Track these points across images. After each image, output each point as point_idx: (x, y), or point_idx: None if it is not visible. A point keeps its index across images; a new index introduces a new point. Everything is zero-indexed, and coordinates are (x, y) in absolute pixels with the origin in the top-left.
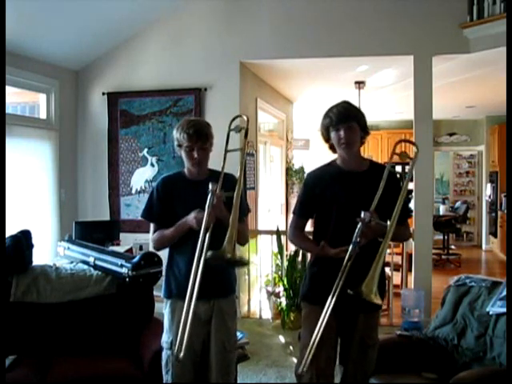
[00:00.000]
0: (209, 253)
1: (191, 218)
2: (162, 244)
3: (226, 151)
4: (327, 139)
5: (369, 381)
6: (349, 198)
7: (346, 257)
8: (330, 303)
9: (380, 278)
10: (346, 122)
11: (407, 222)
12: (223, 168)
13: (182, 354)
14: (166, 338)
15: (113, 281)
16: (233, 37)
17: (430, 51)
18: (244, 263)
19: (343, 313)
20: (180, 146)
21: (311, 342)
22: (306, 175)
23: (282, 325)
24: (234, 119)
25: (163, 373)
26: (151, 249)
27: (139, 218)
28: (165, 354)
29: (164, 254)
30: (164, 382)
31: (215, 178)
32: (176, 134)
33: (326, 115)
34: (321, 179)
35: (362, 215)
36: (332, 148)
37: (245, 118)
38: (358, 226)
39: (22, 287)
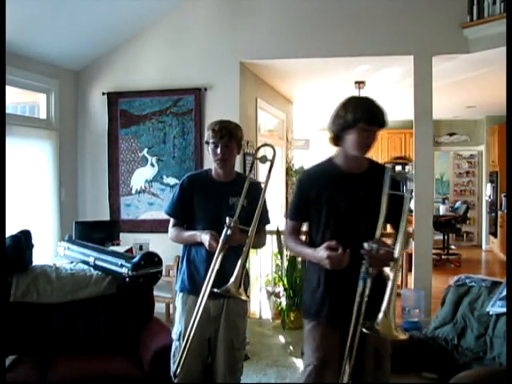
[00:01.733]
0: (215, 290)
1: (206, 241)
2: (177, 240)
3: (248, 178)
4: (337, 136)
5: None
6: (348, 204)
7: (357, 297)
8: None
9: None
10: (375, 124)
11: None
12: (244, 195)
13: (178, 370)
14: (175, 330)
15: (113, 281)
16: (233, 37)
17: (430, 51)
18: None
19: (347, 325)
20: (207, 143)
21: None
22: (301, 174)
23: (282, 325)
24: (259, 148)
25: (171, 363)
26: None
27: (139, 217)
28: (174, 345)
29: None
30: (171, 372)
31: (241, 183)
32: (206, 132)
33: (354, 110)
34: (317, 180)
35: (367, 246)
36: (334, 142)
37: (271, 150)
38: (365, 258)
39: (22, 287)
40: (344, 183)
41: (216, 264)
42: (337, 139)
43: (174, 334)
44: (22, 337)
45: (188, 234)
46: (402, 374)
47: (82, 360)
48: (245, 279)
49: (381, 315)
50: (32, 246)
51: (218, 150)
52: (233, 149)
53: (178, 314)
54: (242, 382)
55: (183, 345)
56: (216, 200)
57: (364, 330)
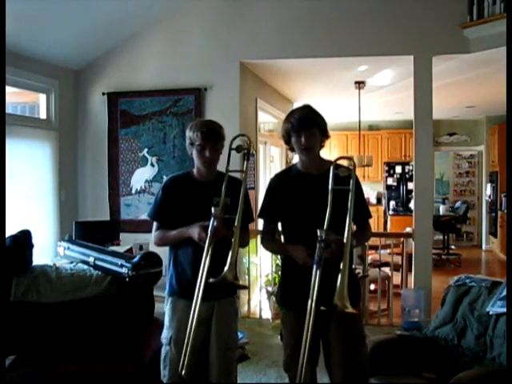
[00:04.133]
0: (210, 280)
1: (195, 233)
2: (162, 243)
3: (228, 171)
4: (287, 141)
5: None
6: (307, 201)
7: (312, 278)
8: (308, 323)
9: (351, 284)
10: (306, 128)
11: (368, 223)
12: (225, 187)
13: (184, 372)
14: (165, 334)
15: (113, 281)
16: (233, 37)
17: (430, 51)
18: (243, 288)
19: (317, 313)
20: (192, 144)
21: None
22: (271, 178)
23: None
24: (234, 138)
25: (161, 368)
26: (157, 247)
27: (139, 217)
28: (164, 350)
29: (166, 251)
30: (161, 377)
31: (223, 181)
32: (189, 133)
33: (288, 120)
34: (282, 182)
35: (318, 233)
36: (292, 150)
37: (246, 138)
38: (318, 245)
39: (22, 287)
40: (303, 183)
41: (206, 260)
42: (291, 148)
43: (164, 339)
44: (22, 337)
45: (174, 232)
46: (402, 374)
47: (81, 360)
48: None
49: (337, 292)
50: (32, 246)
51: (207, 153)
52: (219, 151)
53: (168, 319)
54: (241, 382)
55: (183, 351)
56: (200, 200)
57: (322, 308)
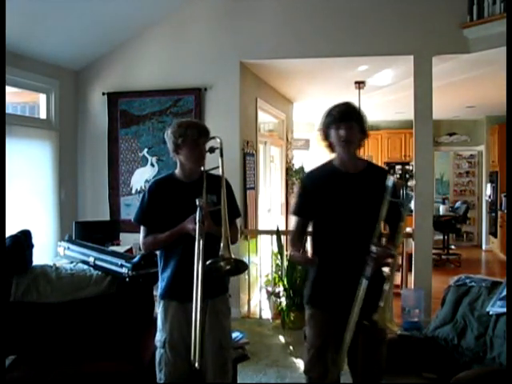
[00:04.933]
0: (207, 262)
1: (190, 227)
2: (154, 247)
3: (205, 171)
4: (326, 137)
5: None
6: (345, 199)
7: (361, 292)
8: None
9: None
10: (347, 120)
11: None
12: (205, 188)
13: (197, 364)
14: (159, 337)
15: (113, 281)
16: (233, 37)
17: (430, 51)
18: (244, 267)
19: (342, 312)
20: (184, 141)
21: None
22: (304, 174)
23: (282, 325)
24: (209, 139)
25: (157, 371)
26: (142, 251)
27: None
28: (158, 353)
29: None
30: (157, 380)
31: (208, 180)
32: (179, 130)
33: (329, 113)
34: (317, 180)
35: (374, 249)
36: (330, 147)
37: (218, 140)
38: (369, 259)
39: (22, 287)
40: (341, 181)
41: (200, 251)
42: (329, 144)
43: (158, 342)
44: (22, 337)
45: (168, 232)
46: (402, 374)
47: (81, 360)
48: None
49: (379, 310)
50: (32, 246)
51: (201, 148)
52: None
53: (161, 322)
54: (242, 382)
55: (193, 342)
56: (185, 201)
57: (365, 322)
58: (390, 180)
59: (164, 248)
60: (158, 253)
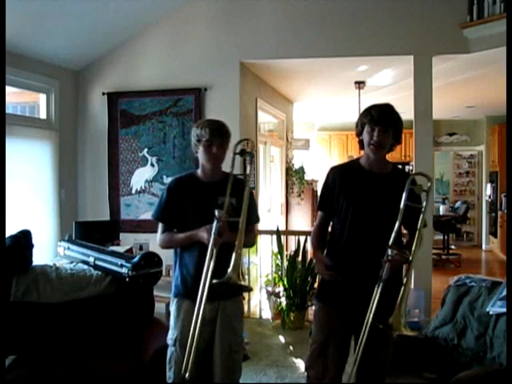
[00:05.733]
0: (214, 281)
1: (204, 236)
2: (169, 246)
3: (232, 174)
4: (359, 134)
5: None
6: (367, 198)
7: (374, 295)
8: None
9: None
10: (384, 124)
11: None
12: (229, 191)
13: (187, 375)
14: (170, 335)
15: (113, 281)
16: (233, 37)
17: (430, 51)
18: (247, 290)
19: (352, 312)
20: (199, 141)
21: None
22: (329, 170)
23: (282, 325)
24: (239, 142)
25: (166, 369)
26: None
27: (139, 217)
28: (169, 351)
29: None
30: (167, 379)
31: (227, 181)
32: (196, 130)
33: (368, 111)
34: (341, 175)
35: (390, 253)
36: (360, 143)
37: (249, 142)
38: (385, 264)
39: (22, 287)
40: (365, 180)
41: (211, 261)
42: (361, 140)
43: (170, 340)
44: (22, 337)
45: (182, 235)
46: (402, 373)
47: (82, 360)
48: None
49: (395, 312)
50: (32, 246)
51: (214, 149)
52: (225, 149)
53: (173, 320)
54: (242, 382)
55: (187, 351)
56: (205, 201)
57: (380, 326)
58: (409, 183)
59: (181, 247)
60: (172, 251)
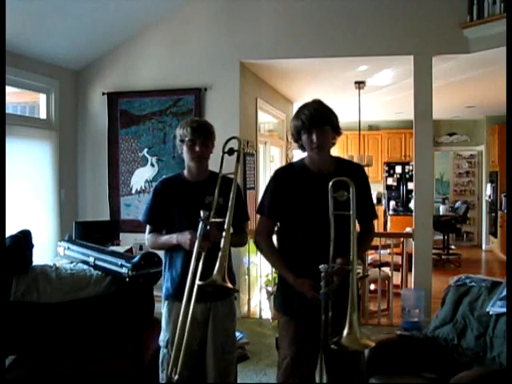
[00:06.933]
0: (200, 282)
1: (185, 239)
2: (154, 247)
3: (221, 175)
4: (297, 140)
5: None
6: (319, 201)
7: (322, 312)
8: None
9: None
10: (318, 125)
11: (372, 224)
12: (217, 191)
13: (176, 377)
14: (162, 337)
15: (113, 281)
16: (233, 37)
17: (430, 51)
18: (233, 291)
19: (316, 321)
20: (182, 141)
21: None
22: (276, 170)
23: None
24: (228, 141)
25: (159, 371)
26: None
27: (139, 218)
28: (161, 353)
29: (162, 255)
30: (160, 380)
31: (216, 181)
32: (179, 130)
33: (297, 117)
34: (288, 178)
35: (321, 268)
36: (302, 147)
37: (237, 140)
38: (322, 275)
39: (22, 287)
40: (312, 182)
41: (198, 264)
42: (301, 145)
43: (162, 342)
44: (22, 337)
45: (164, 238)
46: (402, 374)
47: (82, 360)
48: (230, 274)
49: (345, 331)
50: (32, 246)
51: (197, 148)
52: (209, 147)
53: (164, 321)
54: (241, 382)
55: (172, 354)
56: (191, 200)
57: (333, 347)
58: (330, 191)
59: (169, 248)
60: (163, 252)
